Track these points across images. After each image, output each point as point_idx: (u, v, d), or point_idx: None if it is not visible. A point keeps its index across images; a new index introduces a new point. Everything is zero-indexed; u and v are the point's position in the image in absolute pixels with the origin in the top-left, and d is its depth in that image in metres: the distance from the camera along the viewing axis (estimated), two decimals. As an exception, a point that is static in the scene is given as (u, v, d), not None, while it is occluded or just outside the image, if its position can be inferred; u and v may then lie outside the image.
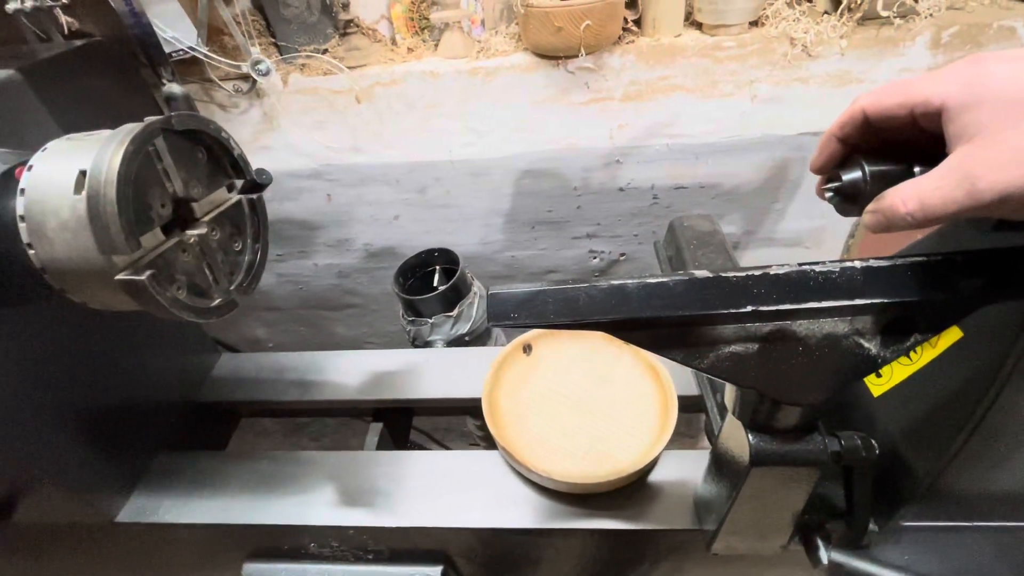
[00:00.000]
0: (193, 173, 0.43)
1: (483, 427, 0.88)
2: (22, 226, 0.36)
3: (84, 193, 0.34)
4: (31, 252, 0.36)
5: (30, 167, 0.36)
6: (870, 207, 0.32)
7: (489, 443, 0.77)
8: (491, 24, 0.91)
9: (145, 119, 0.38)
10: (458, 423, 1.44)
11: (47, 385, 0.49)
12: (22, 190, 0.36)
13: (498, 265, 1.17)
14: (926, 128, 0.30)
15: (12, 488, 0.52)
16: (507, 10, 0.90)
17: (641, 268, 1.14)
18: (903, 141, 0.32)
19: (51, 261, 0.36)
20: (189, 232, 0.43)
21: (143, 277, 0.36)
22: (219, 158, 0.46)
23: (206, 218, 0.44)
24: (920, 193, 0.28)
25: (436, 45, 0.91)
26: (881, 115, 0.31)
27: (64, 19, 0.70)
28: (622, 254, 1.13)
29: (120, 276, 0.36)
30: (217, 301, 0.45)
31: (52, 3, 0.68)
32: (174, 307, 0.39)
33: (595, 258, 1.14)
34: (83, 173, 0.35)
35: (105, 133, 0.38)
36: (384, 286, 1.23)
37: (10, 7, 0.67)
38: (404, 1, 0.89)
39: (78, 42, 0.68)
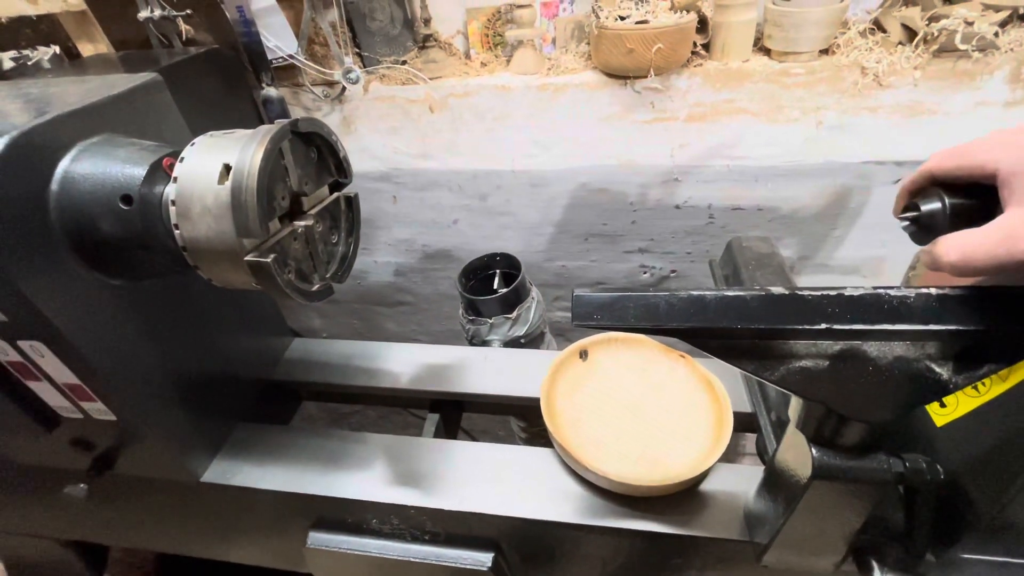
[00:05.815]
0: (306, 170, 0.48)
1: (527, 428, 0.91)
2: (172, 209, 0.41)
3: (228, 184, 0.40)
4: (176, 232, 0.42)
5: (182, 159, 0.42)
6: (926, 247, 0.35)
7: (533, 444, 0.79)
8: (561, 43, 0.95)
9: (276, 122, 0.44)
10: (494, 426, 1.47)
11: (158, 352, 0.55)
12: (175, 178, 0.41)
13: (548, 274, 1.20)
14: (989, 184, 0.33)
15: (120, 441, 0.58)
16: (578, 30, 0.94)
17: (691, 285, 1.14)
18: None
19: (192, 240, 0.42)
20: (298, 223, 0.48)
21: (268, 259, 0.41)
22: (326, 158, 0.52)
23: (312, 211, 0.50)
24: (965, 246, 0.32)
25: (508, 61, 0.96)
26: (945, 176, 0.35)
27: (184, 27, 0.79)
28: (673, 270, 1.14)
29: (248, 257, 0.41)
30: (317, 286, 0.49)
31: (176, 13, 0.76)
32: (288, 287, 0.44)
33: (645, 273, 1.15)
34: (227, 167, 0.40)
35: (240, 132, 0.44)
36: (436, 287, 1.28)
37: (141, 16, 0.76)
38: (481, 18, 0.95)
39: (199, 49, 0.77)
